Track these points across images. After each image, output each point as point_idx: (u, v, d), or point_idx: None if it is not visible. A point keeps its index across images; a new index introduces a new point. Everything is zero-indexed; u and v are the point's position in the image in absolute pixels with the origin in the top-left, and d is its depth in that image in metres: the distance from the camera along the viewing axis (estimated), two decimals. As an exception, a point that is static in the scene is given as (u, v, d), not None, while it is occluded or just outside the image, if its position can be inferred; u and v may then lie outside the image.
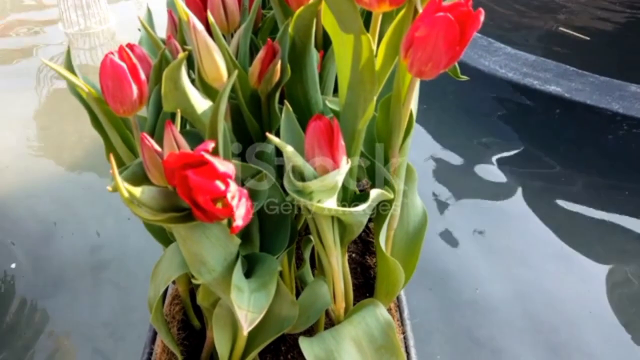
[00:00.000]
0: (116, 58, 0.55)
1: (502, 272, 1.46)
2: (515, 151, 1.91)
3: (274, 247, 0.63)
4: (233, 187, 0.47)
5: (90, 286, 1.47)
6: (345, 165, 0.54)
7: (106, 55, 0.55)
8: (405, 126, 0.59)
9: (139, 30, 0.78)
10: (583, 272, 1.47)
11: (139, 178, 0.57)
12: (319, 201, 0.53)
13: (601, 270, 1.47)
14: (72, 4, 2.62)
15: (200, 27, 0.54)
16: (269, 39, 0.57)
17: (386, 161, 0.63)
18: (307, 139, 0.53)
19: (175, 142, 0.51)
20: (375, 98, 0.56)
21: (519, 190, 1.75)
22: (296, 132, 0.58)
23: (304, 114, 0.66)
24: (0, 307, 1.40)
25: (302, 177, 0.53)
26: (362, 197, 0.63)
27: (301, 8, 0.56)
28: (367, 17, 0.64)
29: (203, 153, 0.45)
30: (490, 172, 1.82)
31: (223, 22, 0.69)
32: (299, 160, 0.52)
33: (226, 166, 0.47)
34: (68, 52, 0.63)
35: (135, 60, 0.57)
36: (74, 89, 0.61)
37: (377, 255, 0.66)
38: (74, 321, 1.37)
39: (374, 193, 0.56)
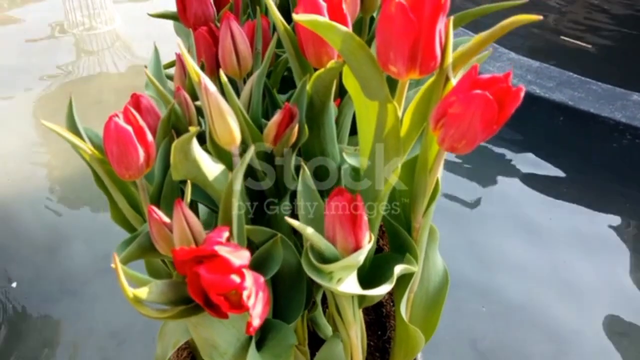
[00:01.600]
0: (121, 121, 0.49)
1: (505, 281, 1.41)
2: (519, 158, 1.85)
3: (289, 312, 0.58)
4: (249, 280, 0.41)
5: (98, 294, 1.42)
6: (368, 244, 0.48)
7: (110, 118, 0.50)
8: (430, 193, 0.53)
9: (148, 64, 0.72)
10: (586, 284, 1.41)
11: (146, 249, 0.51)
12: (339, 280, 0.48)
13: (602, 282, 1.42)
14: (78, 4, 2.55)
15: (212, 88, 0.49)
16: (286, 103, 0.51)
17: (408, 224, 0.57)
18: (327, 215, 0.48)
19: (185, 221, 0.45)
20: (400, 165, 0.50)
21: (523, 196, 1.70)
22: (314, 198, 0.53)
23: (321, 168, 0.60)
24: (7, 316, 1.35)
25: (321, 255, 0.48)
26: (381, 260, 0.58)
27: (321, 71, 0.50)
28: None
29: (216, 248, 0.40)
30: (495, 179, 1.77)
31: (235, 67, 0.64)
32: (319, 242, 0.46)
33: (241, 257, 0.41)
34: (70, 106, 0.57)
35: (141, 122, 0.51)
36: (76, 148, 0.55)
37: (396, 319, 0.61)
38: (81, 330, 1.32)
39: (398, 269, 0.50)
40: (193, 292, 0.40)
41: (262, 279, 0.44)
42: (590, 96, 1.98)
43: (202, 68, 0.70)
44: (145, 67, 0.73)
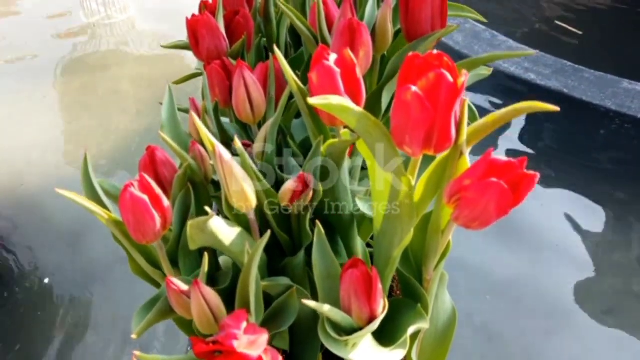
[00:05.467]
0: (136, 191, 0.46)
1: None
2: (510, 145, 1.81)
3: (305, 357, 0.56)
4: (267, 366, 0.39)
5: (123, 279, 1.40)
6: (382, 313, 0.46)
7: (126, 187, 0.47)
8: (442, 251, 0.50)
9: (163, 103, 0.69)
10: (571, 261, 1.38)
11: (166, 313, 0.49)
12: (354, 345, 0.46)
13: (586, 260, 1.39)
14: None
15: (227, 157, 0.46)
16: (301, 174, 0.48)
17: (419, 273, 0.55)
18: (342, 286, 0.46)
19: (203, 299, 0.43)
20: (412, 229, 0.47)
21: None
22: (329, 257, 0.50)
23: (333, 216, 0.58)
24: (39, 301, 1.34)
25: (337, 324, 0.46)
26: (393, 305, 0.55)
27: (335, 140, 0.47)
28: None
29: (234, 344, 0.37)
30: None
31: (249, 115, 0.60)
32: (336, 316, 0.44)
33: (259, 345, 0.39)
34: (85, 162, 0.54)
35: (157, 190, 0.48)
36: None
37: (408, 361, 0.59)
38: (108, 314, 1.30)
39: (411, 330, 0.48)
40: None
41: (280, 358, 0.42)
42: (582, 84, 1.93)
43: (217, 106, 0.67)
44: (161, 103, 0.69)
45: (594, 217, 1.55)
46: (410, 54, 0.40)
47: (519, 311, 1.26)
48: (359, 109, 0.41)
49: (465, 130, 0.42)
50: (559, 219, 1.52)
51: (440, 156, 0.45)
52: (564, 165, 1.73)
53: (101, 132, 1.94)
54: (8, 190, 1.73)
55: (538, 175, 0.39)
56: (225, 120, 0.75)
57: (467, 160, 0.44)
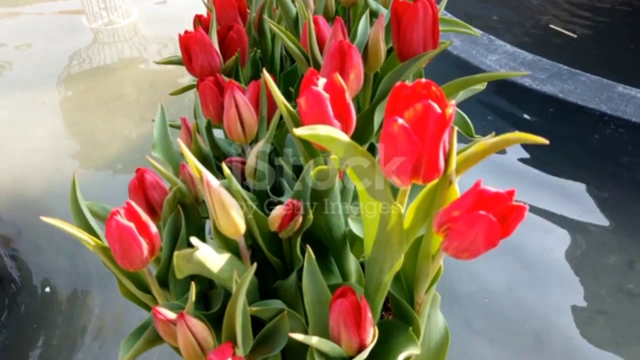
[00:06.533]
0: (122, 219, 0.45)
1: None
2: (505, 148, 1.79)
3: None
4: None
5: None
6: (371, 342, 0.44)
7: (112, 215, 0.45)
8: (433, 276, 0.49)
9: (155, 120, 0.67)
10: (566, 263, 1.37)
11: (154, 340, 0.47)
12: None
13: (582, 262, 1.37)
14: (95, -2, 2.45)
15: (214, 184, 0.44)
16: (290, 201, 0.47)
17: (411, 295, 0.53)
18: (332, 315, 0.45)
19: (190, 332, 0.42)
20: (402, 255, 0.46)
21: (505, 178, 1.64)
22: (319, 283, 0.49)
23: (326, 237, 0.56)
24: (43, 308, 1.32)
25: (325, 354, 0.44)
26: (385, 326, 0.54)
27: (324, 167, 0.45)
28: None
29: (220, 381, 0.36)
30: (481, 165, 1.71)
31: (240, 134, 0.59)
32: (324, 347, 0.42)
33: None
34: (74, 193, 0.52)
35: (144, 217, 0.46)
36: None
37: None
38: (110, 318, 1.29)
39: (402, 356, 0.47)
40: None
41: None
42: (578, 88, 1.91)
43: (209, 124, 0.66)
44: (153, 120, 0.68)
45: (589, 220, 1.53)
46: (398, 83, 0.39)
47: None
48: (347, 139, 0.39)
49: (455, 159, 0.41)
50: (555, 222, 1.51)
51: (429, 184, 0.43)
52: (560, 168, 1.71)
53: (105, 137, 1.92)
54: (11, 195, 1.72)
55: (527, 207, 0.38)
56: (219, 134, 0.74)
57: (457, 189, 0.42)
